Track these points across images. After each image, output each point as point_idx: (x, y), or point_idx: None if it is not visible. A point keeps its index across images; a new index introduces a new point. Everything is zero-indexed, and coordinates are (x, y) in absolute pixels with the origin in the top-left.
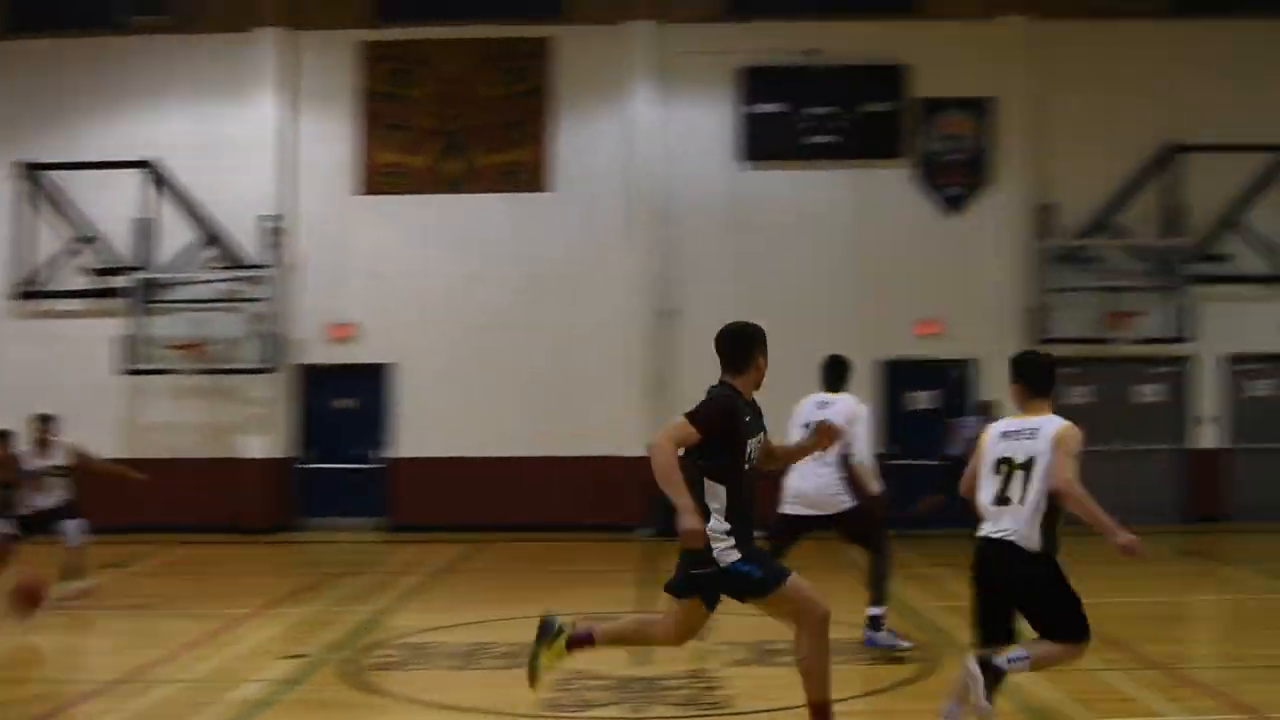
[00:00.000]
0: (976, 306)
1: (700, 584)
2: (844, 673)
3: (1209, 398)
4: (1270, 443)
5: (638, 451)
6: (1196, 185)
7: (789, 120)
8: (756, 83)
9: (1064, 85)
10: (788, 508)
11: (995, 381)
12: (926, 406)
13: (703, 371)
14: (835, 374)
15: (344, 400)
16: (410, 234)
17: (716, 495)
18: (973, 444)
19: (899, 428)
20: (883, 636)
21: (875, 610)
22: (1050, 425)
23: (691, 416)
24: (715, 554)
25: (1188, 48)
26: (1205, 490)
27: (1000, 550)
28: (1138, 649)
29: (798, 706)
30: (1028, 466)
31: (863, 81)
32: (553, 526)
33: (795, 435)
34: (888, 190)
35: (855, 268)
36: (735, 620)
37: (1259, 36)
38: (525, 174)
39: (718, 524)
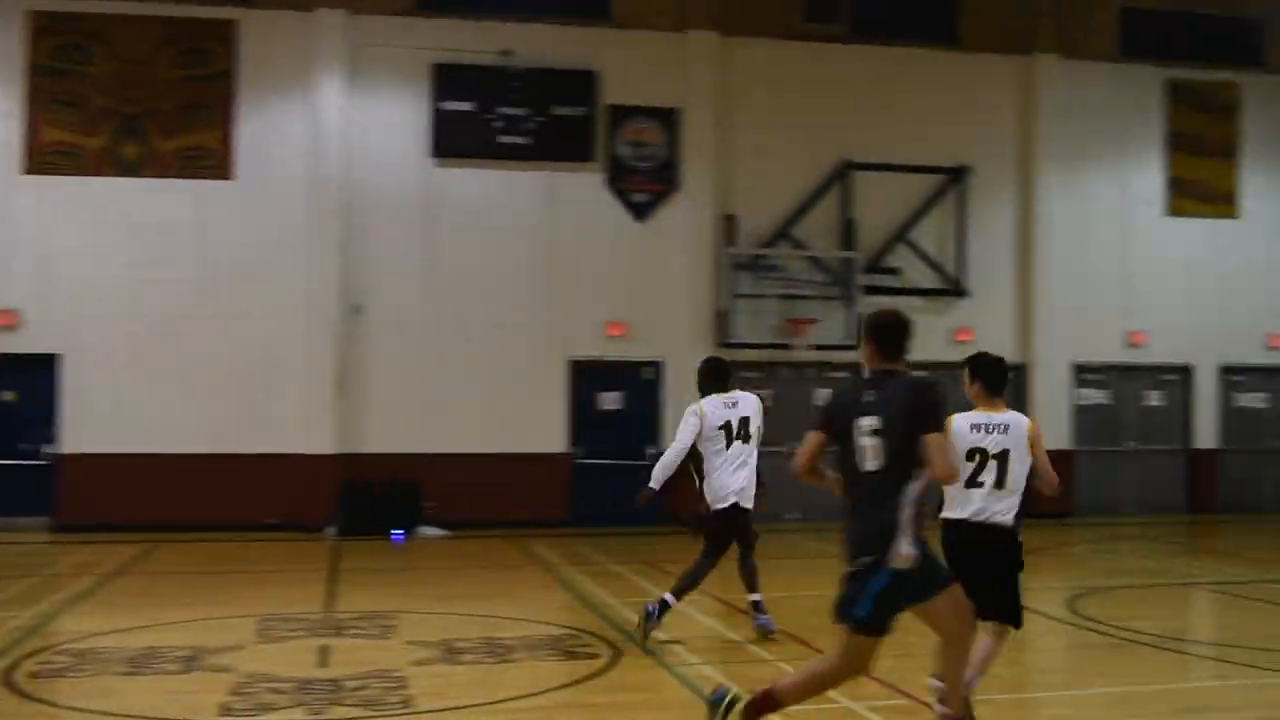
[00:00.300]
0: (664, 310)
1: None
2: (541, 668)
3: None
4: None
5: (326, 448)
6: (869, 201)
7: (481, 119)
8: (449, 80)
9: (749, 100)
10: (736, 500)
11: (683, 383)
12: (614, 407)
13: (389, 368)
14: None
15: (4, 392)
16: (81, 218)
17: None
18: None
19: (586, 427)
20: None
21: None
22: (1019, 421)
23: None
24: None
25: (864, 71)
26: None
27: (980, 531)
28: (811, 639)
29: (479, 705)
30: (1002, 457)
31: (555, 85)
32: (235, 526)
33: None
34: (578, 194)
35: (546, 268)
36: (419, 621)
37: (927, 63)
38: (208, 160)
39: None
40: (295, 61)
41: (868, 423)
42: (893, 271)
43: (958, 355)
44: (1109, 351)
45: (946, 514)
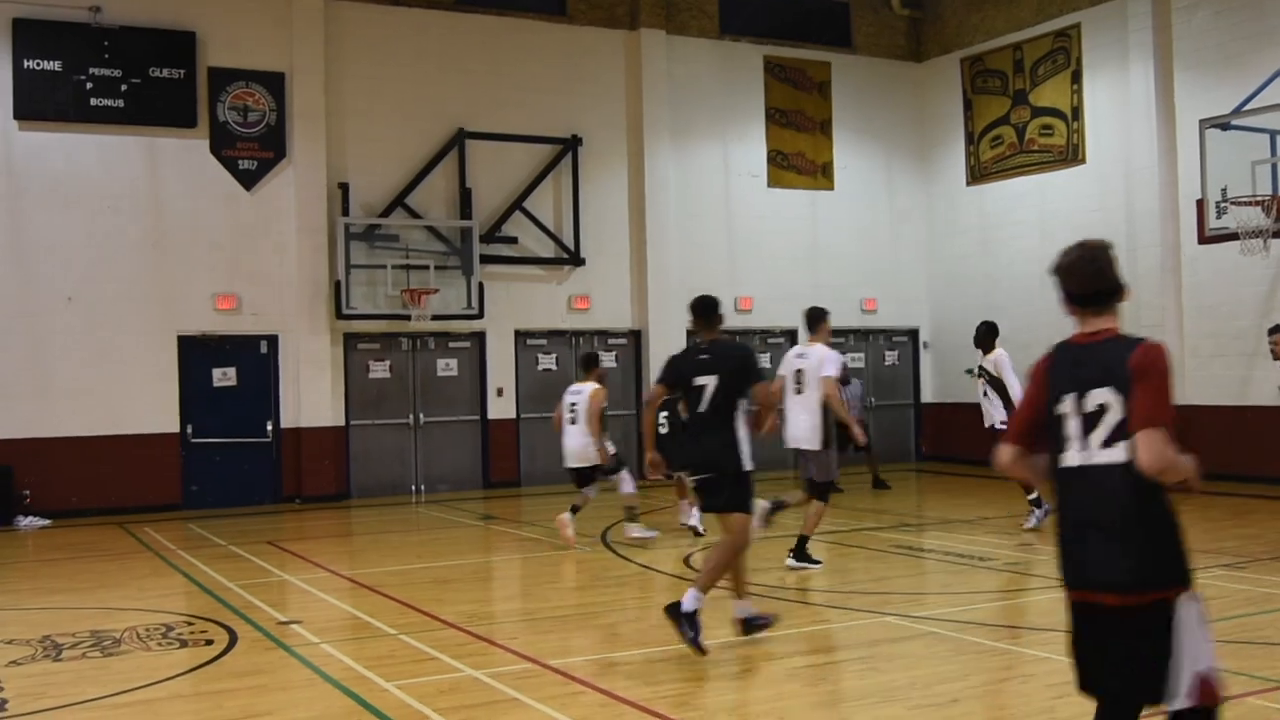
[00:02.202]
0: (277, 282)
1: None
2: (152, 659)
3: (500, 371)
4: (552, 411)
5: None
6: (485, 169)
7: (69, 80)
8: (32, 37)
9: (359, 66)
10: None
11: (300, 356)
12: (228, 383)
13: None
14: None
15: None
16: None
17: None
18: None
19: (198, 404)
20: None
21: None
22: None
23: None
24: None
25: (475, 39)
26: (501, 458)
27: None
28: (435, 611)
29: (83, 702)
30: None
31: (150, 45)
32: None
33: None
34: (182, 161)
35: (148, 239)
36: (16, 618)
37: (537, 33)
38: None
39: None
40: None
41: (704, 379)
42: (510, 240)
43: (577, 323)
44: None
45: None
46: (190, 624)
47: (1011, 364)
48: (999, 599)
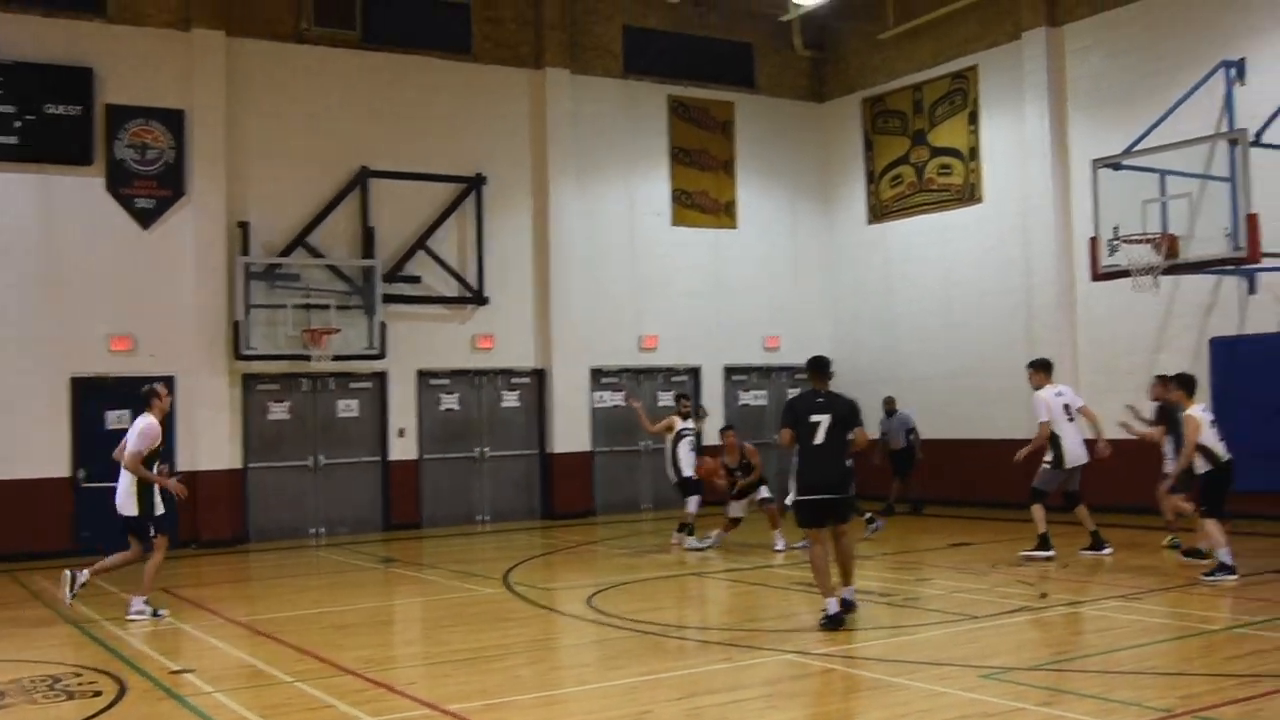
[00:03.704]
0: (174, 322)
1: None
2: (35, 713)
3: (402, 411)
4: (455, 453)
5: None
6: (389, 208)
7: None
8: None
9: (261, 103)
10: None
11: (200, 397)
12: (123, 426)
13: None
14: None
15: None
16: None
17: None
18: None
19: (91, 447)
20: None
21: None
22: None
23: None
24: None
25: (379, 77)
26: (402, 499)
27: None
28: (332, 657)
29: None
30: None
31: (45, 81)
32: None
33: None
34: (77, 198)
35: (41, 278)
36: None
37: (442, 72)
38: None
39: None
40: None
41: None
42: (413, 280)
43: (481, 363)
44: (624, 356)
45: None
46: (78, 675)
47: None
48: (896, 634)
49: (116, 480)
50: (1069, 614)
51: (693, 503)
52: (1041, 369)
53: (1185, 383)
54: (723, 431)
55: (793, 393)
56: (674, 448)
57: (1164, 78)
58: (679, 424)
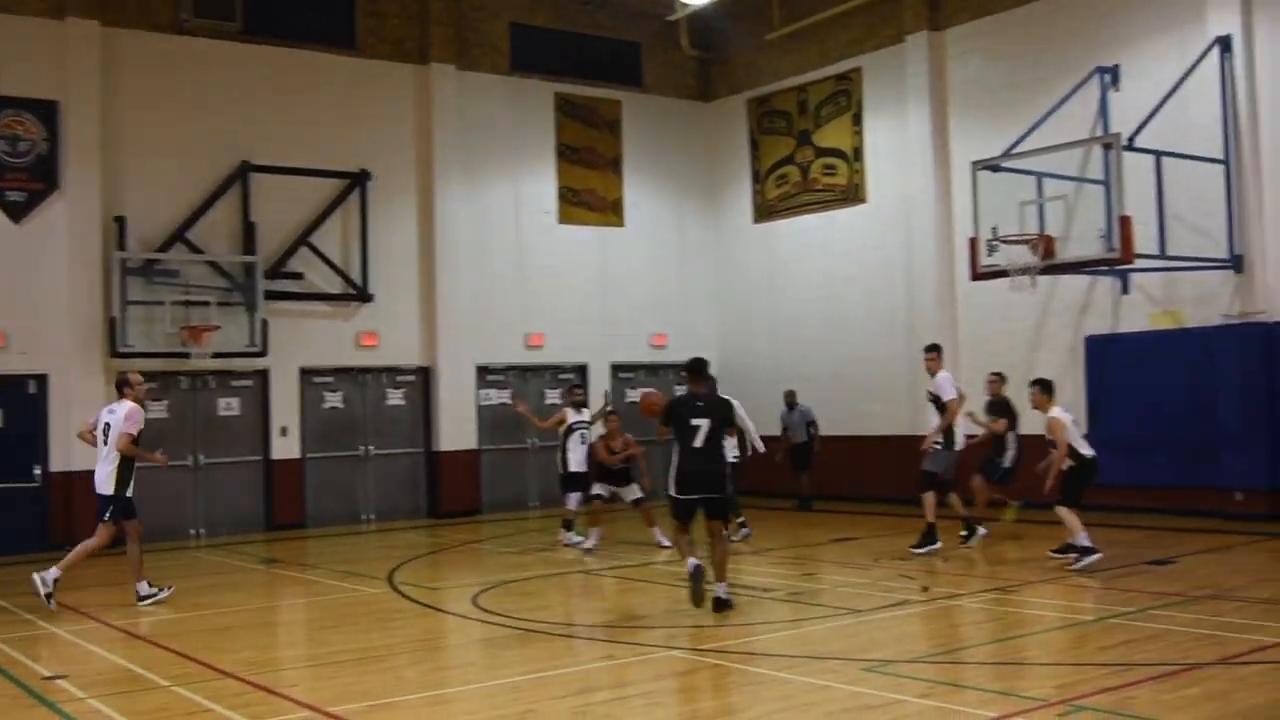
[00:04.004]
0: (47, 319)
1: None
2: None
3: (285, 410)
4: (338, 451)
5: None
6: (270, 204)
7: None
8: None
9: (139, 96)
10: None
11: (74, 396)
12: None
13: None
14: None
15: None
16: None
17: None
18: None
19: None
20: None
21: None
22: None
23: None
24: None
25: (260, 71)
26: (285, 499)
27: None
28: (212, 660)
29: None
30: None
31: None
32: None
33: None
34: None
35: None
36: None
37: (326, 66)
38: None
39: None
40: None
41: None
42: (296, 276)
43: (365, 360)
44: (511, 353)
45: None
46: None
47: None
48: (781, 629)
49: None
50: (950, 607)
51: (573, 499)
52: (936, 351)
53: (1046, 386)
54: (607, 415)
55: (680, 390)
56: (565, 440)
57: (1042, 83)
58: (571, 416)
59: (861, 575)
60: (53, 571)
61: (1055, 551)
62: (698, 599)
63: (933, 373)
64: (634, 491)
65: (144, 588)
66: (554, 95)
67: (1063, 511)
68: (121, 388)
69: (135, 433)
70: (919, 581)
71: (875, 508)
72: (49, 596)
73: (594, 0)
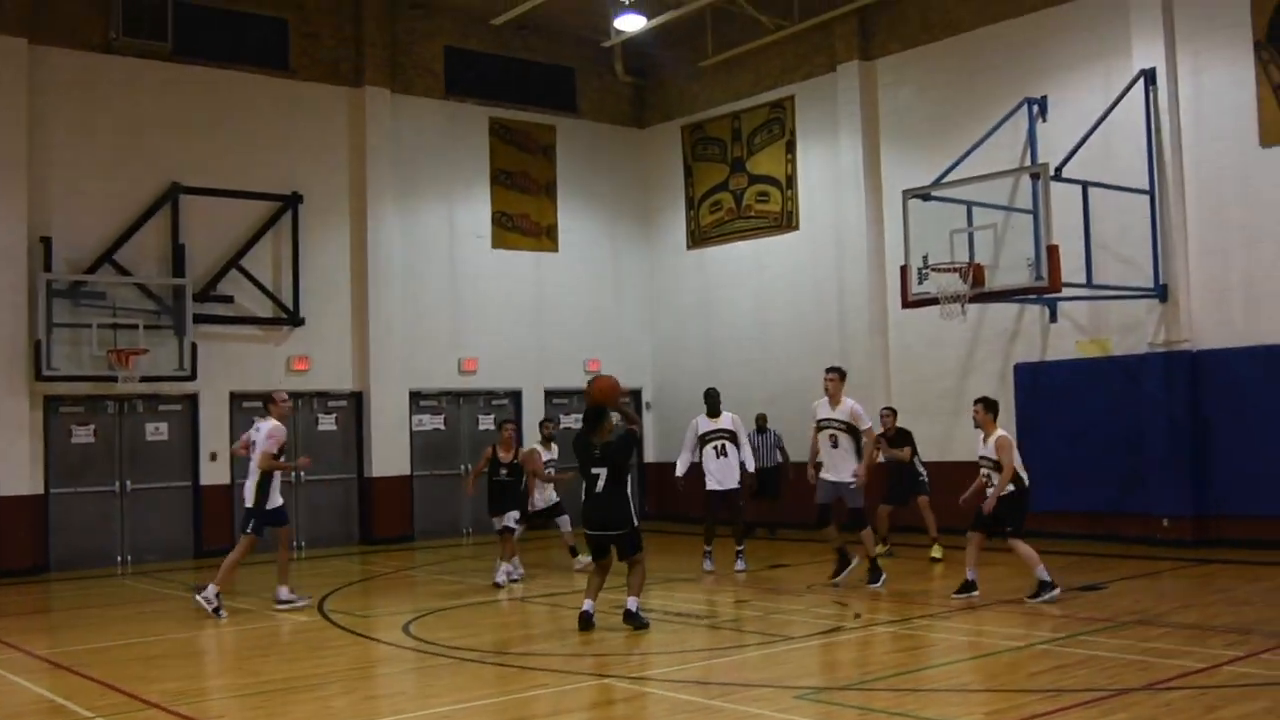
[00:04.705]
0: None
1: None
2: None
3: (214, 434)
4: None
5: None
6: (201, 226)
7: None
8: None
9: (66, 115)
10: None
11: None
12: None
13: None
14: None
15: None
16: None
17: None
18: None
19: None
20: None
21: None
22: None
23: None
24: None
25: (192, 92)
26: (214, 525)
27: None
28: (138, 690)
29: None
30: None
31: None
32: None
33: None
34: None
35: None
36: None
37: (258, 88)
38: None
39: None
40: None
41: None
42: (226, 299)
43: (295, 384)
44: (443, 378)
45: None
46: None
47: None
48: (713, 656)
49: None
50: (881, 633)
51: (510, 516)
52: (840, 374)
53: (989, 405)
54: (502, 424)
55: (614, 416)
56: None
57: (971, 113)
58: (543, 455)
59: (793, 602)
60: (211, 588)
61: (1030, 597)
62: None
63: (835, 395)
64: (507, 519)
65: (284, 592)
66: (489, 120)
67: (1017, 545)
68: (267, 405)
69: (275, 450)
70: (851, 608)
71: (808, 534)
72: (217, 610)
73: (529, 25)
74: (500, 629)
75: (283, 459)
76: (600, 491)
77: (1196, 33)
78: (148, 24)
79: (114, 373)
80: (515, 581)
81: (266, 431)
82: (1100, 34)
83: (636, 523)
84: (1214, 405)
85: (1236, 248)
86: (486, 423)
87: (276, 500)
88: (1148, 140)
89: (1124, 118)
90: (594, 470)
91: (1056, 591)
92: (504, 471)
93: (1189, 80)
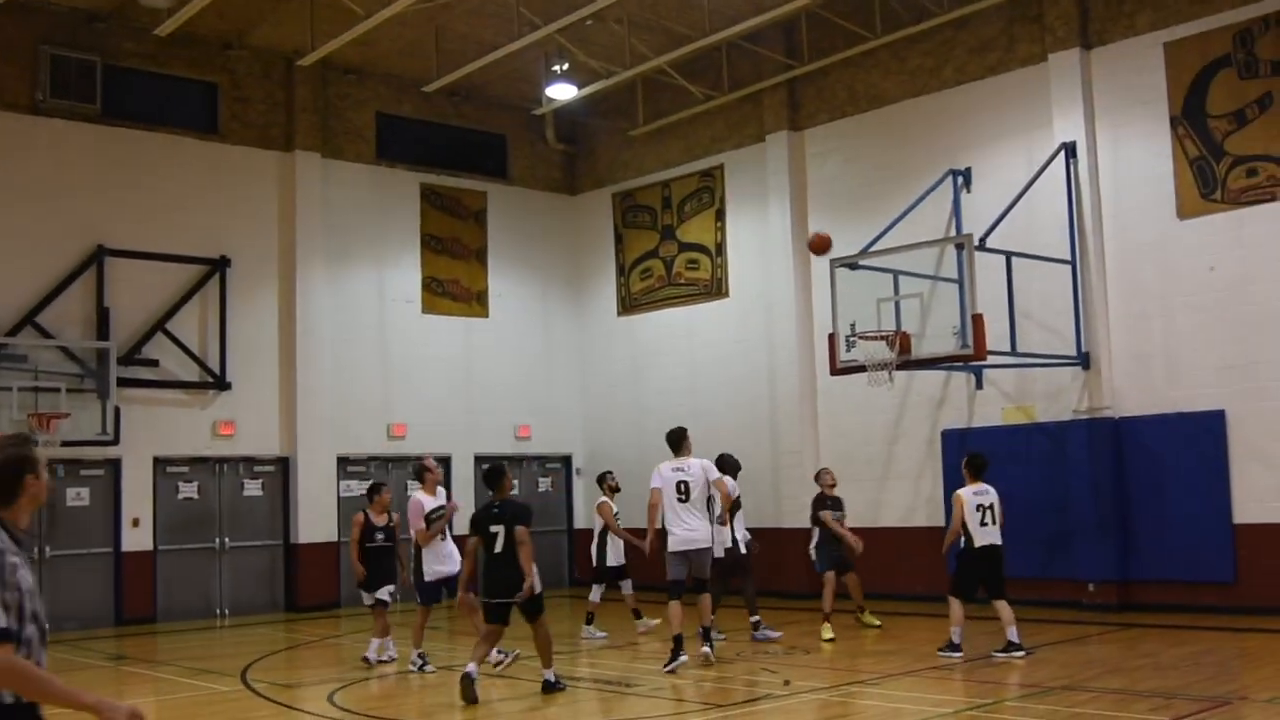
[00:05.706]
0: None
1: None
2: None
3: (137, 500)
4: (193, 543)
5: None
6: (126, 289)
7: None
8: None
9: None
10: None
11: None
12: None
13: None
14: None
15: None
16: None
17: None
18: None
19: None
20: None
21: None
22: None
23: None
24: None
25: (118, 153)
26: (136, 592)
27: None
28: None
29: None
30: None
31: None
32: None
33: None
34: None
35: None
36: None
37: (187, 151)
38: None
39: None
40: None
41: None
42: (151, 363)
43: (222, 450)
44: (372, 444)
45: None
46: None
47: None
48: None
49: None
50: (811, 700)
51: (596, 591)
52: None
53: (968, 463)
54: (377, 487)
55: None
56: (604, 533)
57: (897, 183)
58: (613, 507)
59: (724, 669)
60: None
61: (998, 651)
62: (466, 698)
63: (687, 454)
64: (381, 594)
65: (413, 656)
66: (419, 185)
67: (952, 600)
68: (420, 474)
69: (422, 525)
70: (780, 675)
71: (731, 600)
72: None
73: (461, 92)
74: (425, 697)
75: (433, 522)
76: (500, 552)
77: (1115, 107)
78: (76, 86)
79: (35, 437)
80: (384, 662)
81: (407, 509)
82: (1022, 107)
83: (539, 586)
84: (1136, 471)
85: (1156, 317)
86: (416, 487)
87: (445, 568)
88: (1069, 211)
89: (1046, 189)
90: (492, 529)
91: (958, 655)
92: (380, 536)
93: (1109, 153)
